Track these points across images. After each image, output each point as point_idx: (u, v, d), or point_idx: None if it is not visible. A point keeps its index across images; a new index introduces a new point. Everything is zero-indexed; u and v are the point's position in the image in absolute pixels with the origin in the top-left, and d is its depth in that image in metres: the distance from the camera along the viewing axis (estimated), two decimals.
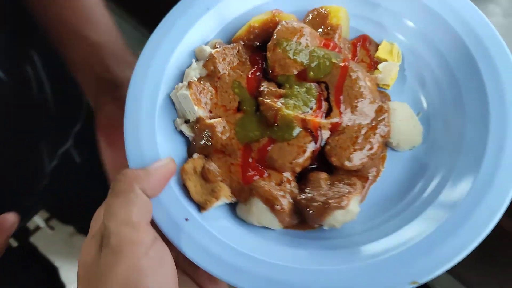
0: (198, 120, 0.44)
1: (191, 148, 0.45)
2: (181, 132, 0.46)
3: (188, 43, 0.48)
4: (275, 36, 0.46)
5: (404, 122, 0.44)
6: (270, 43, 0.46)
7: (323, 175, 0.43)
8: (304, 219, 0.42)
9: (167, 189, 0.41)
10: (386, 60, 0.48)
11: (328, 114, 0.44)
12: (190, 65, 0.47)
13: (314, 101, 0.44)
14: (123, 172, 0.39)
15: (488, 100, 0.41)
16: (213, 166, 0.43)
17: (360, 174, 0.44)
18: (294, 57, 0.45)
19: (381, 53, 0.48)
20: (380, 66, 0.47)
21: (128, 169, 0.39)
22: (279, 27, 0.46)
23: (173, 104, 0.47)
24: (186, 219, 0.41)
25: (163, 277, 0.36)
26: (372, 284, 0.36)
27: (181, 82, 0.47)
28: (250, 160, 0.43)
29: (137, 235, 0.36)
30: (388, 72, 0.47)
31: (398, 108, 0.45)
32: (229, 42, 0.49)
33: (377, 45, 0.49)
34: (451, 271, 0.60)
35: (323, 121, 0.43)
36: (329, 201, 0.40)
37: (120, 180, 0.38)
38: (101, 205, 0.41)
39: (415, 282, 0.36)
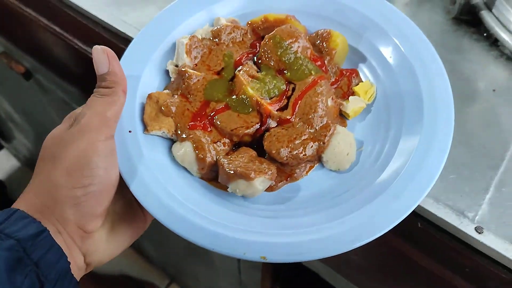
0: (183, 66, 0.52)
1: (168, 86, 0.53)
2: (167, 72, 0.54)
3: (212, 13, 0.57)
4: (274, 31, 0.53)
5: (341, 147, 0.49)
6: (268, 35, 0.53)
7: (251, 152, 0.49)
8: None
9: (130, 101, 0.49)
10: (359, 96, 0.53)
11: (282, 109, 0.50)
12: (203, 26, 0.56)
13: (277, 94, 0.51)
14: (108, 78, 0.45)
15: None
16: (172, 104, 0.50)
17: (283, 169, 0.49)
18: (281, 55, 0.52)
19: (358, 88, 0.53)
20: (350, 97, 0.53)
21: (111, 73, 0.45)
22: (282, 26, 0.53)
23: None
24: (130, 131, 0.48)
25: (110, 164, 0.43)
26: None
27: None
28: (203, 113, 0.50)
29: (104, 126, 0.43)
30: (353, 104, 0.52)
31: (342, 133, 0.50)
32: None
33: (360, 81, 0.55)
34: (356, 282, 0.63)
35: (274, 112, 0.50)
36: (238, 169, 0.46)
37: (105, 86, 0.45)
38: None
39: (264, 257, 0.42)
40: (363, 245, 0.42)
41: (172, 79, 0.53)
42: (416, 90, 0.49)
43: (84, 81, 0.83)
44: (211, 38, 0.54)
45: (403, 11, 0.56)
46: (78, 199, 0.41)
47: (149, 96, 0.50)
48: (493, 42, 0.66)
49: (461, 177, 0.51)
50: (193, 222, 0.44)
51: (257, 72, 0.52)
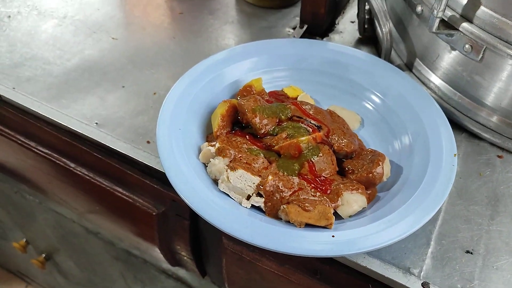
0: (261, 185, 0.52)
1: (268, 211, 0.52)
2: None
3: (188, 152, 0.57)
4: (246, 109, 0.57)
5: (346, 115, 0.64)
6: (248, 115, 0.57)
7: (349, 160, 0.57)
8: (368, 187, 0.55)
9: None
10: (297, 95, 0.65)
11: (319, 129, 0.58)
12: (209, 164, 0.55)
13: (304, 126, 0.57)
14: None
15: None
16: (304, 203, 0.51)
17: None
18: (268, 113, 0.58)
19: (289, 92, 0.66)
20: (298, 97, 0.64)
21: None
22: (242, 103, 0.58)
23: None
24: (333, 236, 0.49)
25: None
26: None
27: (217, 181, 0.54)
28: (313, 181, 0.54)
29: None
30: (306, 98, 0.65)
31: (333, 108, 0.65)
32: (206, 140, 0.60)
33: (282, 91, 0.66)
34: None
35: (321, 134, 0.57)
36: (373, 157, 0.55)
37: None
38: None
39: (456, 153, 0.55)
40: None
41: (263, 205, 0.52)
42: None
43: (31, 174, 0.82)
44: (231, 160, 0.54)
45: None
46: None
47: (291, 214, 0.50)
48: None
49: None
50: None
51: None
